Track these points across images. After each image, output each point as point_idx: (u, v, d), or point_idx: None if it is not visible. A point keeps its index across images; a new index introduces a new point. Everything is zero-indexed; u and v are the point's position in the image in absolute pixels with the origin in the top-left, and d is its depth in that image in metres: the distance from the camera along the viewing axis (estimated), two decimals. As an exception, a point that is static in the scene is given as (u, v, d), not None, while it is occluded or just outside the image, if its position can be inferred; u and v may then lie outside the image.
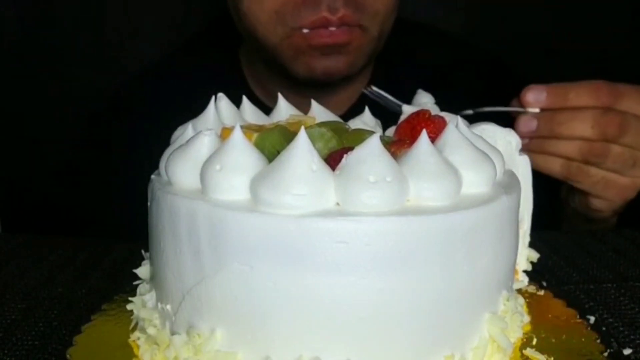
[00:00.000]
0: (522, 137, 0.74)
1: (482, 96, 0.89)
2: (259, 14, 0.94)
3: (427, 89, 0.81)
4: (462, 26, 1.49)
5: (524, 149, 0.82)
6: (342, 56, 0.96)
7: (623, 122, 0.80)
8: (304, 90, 0.99)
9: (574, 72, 0.84)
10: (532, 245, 0.61)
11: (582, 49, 1.45)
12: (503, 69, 1.16)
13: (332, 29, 0.92)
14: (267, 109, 0.63)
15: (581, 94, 0.80)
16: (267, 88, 1.09)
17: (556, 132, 0.82)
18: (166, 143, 0.53)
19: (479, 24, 1.48)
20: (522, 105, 0.81)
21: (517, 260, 0.58)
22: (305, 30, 0.93)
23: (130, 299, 0.55)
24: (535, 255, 0.61)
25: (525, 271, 0.61)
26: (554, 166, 0.85)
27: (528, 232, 0.60)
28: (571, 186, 0.88)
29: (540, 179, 0.64)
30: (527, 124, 0.81)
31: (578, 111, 0.81)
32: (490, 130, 0.56)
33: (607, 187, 0.85)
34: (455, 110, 0.78)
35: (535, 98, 0.80)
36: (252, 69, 1.12)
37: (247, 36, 1.01)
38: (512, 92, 0.85)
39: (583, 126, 0.81)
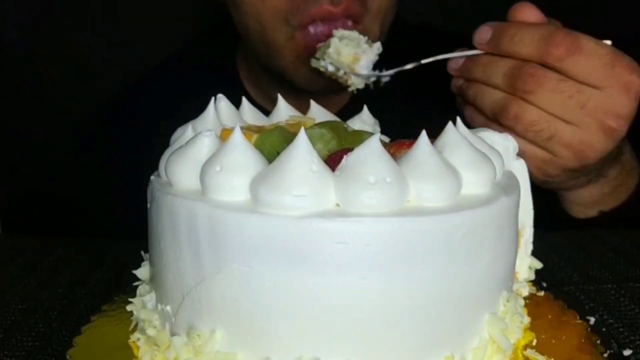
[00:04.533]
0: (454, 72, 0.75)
1: None
2: (263, 13, 0.93)
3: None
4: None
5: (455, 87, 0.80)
6: None
7: (539, 78, 0.72)
8: (302, 93, 0.99)
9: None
10: (532, 245, 0.61)
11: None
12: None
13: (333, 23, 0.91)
14: (264, 112, 0.63)
15: (526, 42, 0.73)
16: (265, 91, 1.09)
17: (472, 74, 0.77)
18: (165, 145, 0.53)
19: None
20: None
21: (519, 269, 0.58)
22: (309, 30, 0.91)
23: (130, 300, 0.55)
24: (538, 264, 0.60)
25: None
26: (475, 121, 0.79)
27: (530, 240, 0.59)
28: None
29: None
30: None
31: (499, 57, 0.75)
32: (488, 137, 0.55)
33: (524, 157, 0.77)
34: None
35: (480, 37, 0.76)
36: (249, 73, 1.12)
37: (249, 39, 1.00)
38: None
39: (495, 71, 0.75)
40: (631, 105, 0.74)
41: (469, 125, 0.59)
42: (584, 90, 0.73)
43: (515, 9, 0.75)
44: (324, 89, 0.97)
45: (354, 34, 0.85)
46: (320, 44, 0.87)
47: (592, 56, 0.72)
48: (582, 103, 0.73)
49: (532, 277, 0.61)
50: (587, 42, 0.72)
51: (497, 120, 0.76)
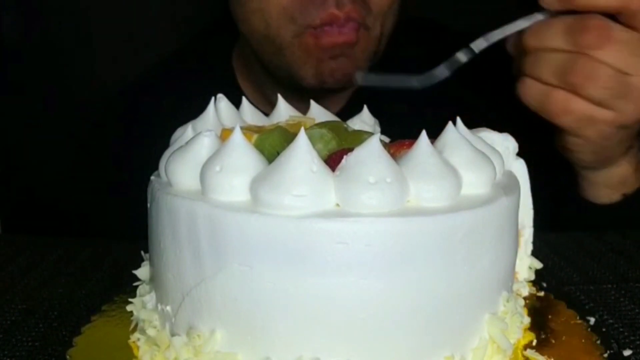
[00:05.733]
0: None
1: (476, 88, 0.88)
2: (269, 10, 0.93)
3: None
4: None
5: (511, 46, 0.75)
6: (349, 58, 0.96)
7: (605, 30, 0.67)
8: (302, 94, 0.98)
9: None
10: (532, 245, 0.61)
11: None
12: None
13: (341, 29, 0.92)
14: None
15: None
16: (263, 93, 1.08)
17: (526, 44, 0.72)
18: (165, 145, 0.53)
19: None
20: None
21: (519, 269, 0.58)
22: (315, 30, 0.92)
23: (130, 300, 0.55)
24: (538, 264, 0.60)
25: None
26: (532, 92, 0.73)
27: (530, 239, 0.59)
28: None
29: (537, 183, 0.61)
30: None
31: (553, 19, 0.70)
32: (488, 137, 0.55)
33: (589, 123, 0.71)
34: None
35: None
36: (246, 75, 1.12)
37: (254, 37, 1.00)
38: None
39: (550, 33, 0.70)
40: None
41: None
42: None
43: None
44: (330, 86, 0.97)
45: None
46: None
47: None
48: None
49: (532, 277, 0.60)
50: None
51: (562, 85, 0.71)
